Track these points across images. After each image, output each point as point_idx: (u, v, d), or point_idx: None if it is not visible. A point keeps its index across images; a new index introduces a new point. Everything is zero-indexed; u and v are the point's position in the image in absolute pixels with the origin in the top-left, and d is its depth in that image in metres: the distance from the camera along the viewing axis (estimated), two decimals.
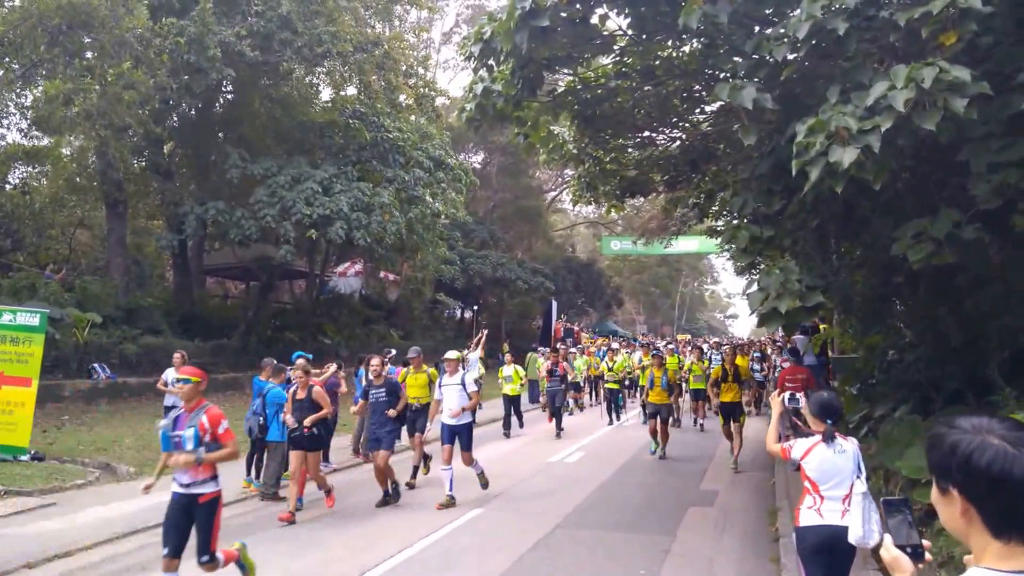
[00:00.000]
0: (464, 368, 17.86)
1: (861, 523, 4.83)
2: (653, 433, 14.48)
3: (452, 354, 11.57)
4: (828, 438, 5.21)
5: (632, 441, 16.76)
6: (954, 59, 5.48)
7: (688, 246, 37.16)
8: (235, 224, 21.24)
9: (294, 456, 10.21)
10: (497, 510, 10.65)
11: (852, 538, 4.86)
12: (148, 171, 24.24)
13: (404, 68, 26.71)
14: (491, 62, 8.46)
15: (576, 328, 41.71)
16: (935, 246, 6.18)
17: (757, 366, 22.17)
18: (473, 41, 8.34)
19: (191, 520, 6.50)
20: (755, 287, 7.41)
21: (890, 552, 1.99)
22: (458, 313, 43.66)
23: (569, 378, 19.55)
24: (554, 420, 18.19)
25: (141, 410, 17.80)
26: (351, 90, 26.00)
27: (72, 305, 18.80)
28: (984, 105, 5.47)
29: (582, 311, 50.94)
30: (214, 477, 6.62)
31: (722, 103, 7.85)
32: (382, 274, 36.80)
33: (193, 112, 23.97)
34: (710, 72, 8.97)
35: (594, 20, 8.00)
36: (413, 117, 27.67)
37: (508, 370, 18.66)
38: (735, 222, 10.10)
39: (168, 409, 12.68)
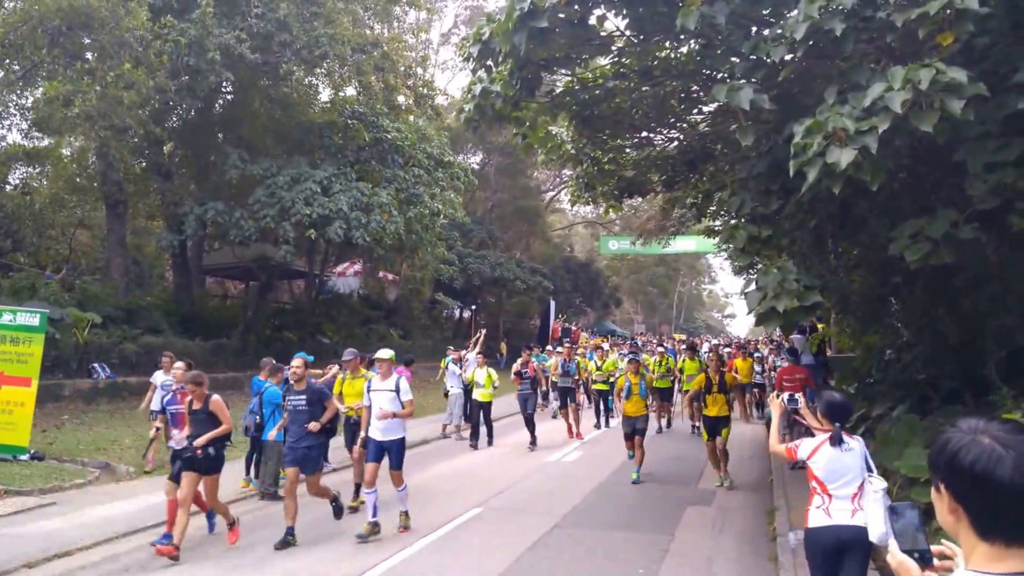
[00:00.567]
0: (464, 368, 17.83)
1: (883, 521, 4.79)
2: (632, 449, 12.69)
3: (384, 353, 9.74)
4: (836, 440, 5.16)
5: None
6: (951, 60, 5.50)
7: (686, 246, 37.17)
8: (234, 224, 21.26)
9: (186, 479, 8.39)
10: (496, 510, 10.68)
11: (874, 536, 4.82)
12: (148, 171, 24.24)
13: (403, 69, 26.73)
14: (489, 63, 8.48)
15: (574, 328, 41.72)
16: (932, 246, 6.20)
17: (759, 367, 20.97)
18: (472, 42, 8.36)
19: None
20: (753, 287, 7.44)
21: (896, 557, 1.99)
22: (457, 313, 43.68)
23: (545, 387, 18.08)
24: (528, 432, 16.31)
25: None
26: (350, 91, 26.02)
27: (72, 305, 18.81)
28: (981, 105, 5.49)
29: (580, 311, 50.95)
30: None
31: (720, 104, 7.85)
32: (381, 274, 36.82)
33: (193, 113, 23.98)
34: (708, 73, 9.00)
35: (592, 21, 8.01)
36: (412, 118, 27.67)
37: (480, 374, 16.40)
38: (733, 222, 10.12)
39: (156, 413, 12.69)
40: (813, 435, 5.74)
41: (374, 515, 9.05)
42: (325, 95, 27.65)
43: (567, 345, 19.85)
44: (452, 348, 19.76)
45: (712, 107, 10.13)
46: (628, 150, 12.33)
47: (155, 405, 12.63)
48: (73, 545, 8.64)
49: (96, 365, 18.63)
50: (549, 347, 24.71)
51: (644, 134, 11.60)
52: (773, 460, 13.15)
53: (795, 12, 6.21)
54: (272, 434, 10.77)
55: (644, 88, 9.51)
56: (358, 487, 10.60)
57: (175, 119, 24.15)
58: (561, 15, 7.38)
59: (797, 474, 11.78)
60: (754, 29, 7.43)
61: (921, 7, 5.38)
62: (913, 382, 11.27)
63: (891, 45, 6.21)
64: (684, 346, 24.55)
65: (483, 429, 16.41)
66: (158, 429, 11.72)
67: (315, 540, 9.07)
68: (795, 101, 7.23)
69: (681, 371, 18.99)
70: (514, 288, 37.97)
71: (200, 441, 8.33)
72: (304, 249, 26.40)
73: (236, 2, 21.12)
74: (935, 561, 1.98)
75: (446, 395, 18.26)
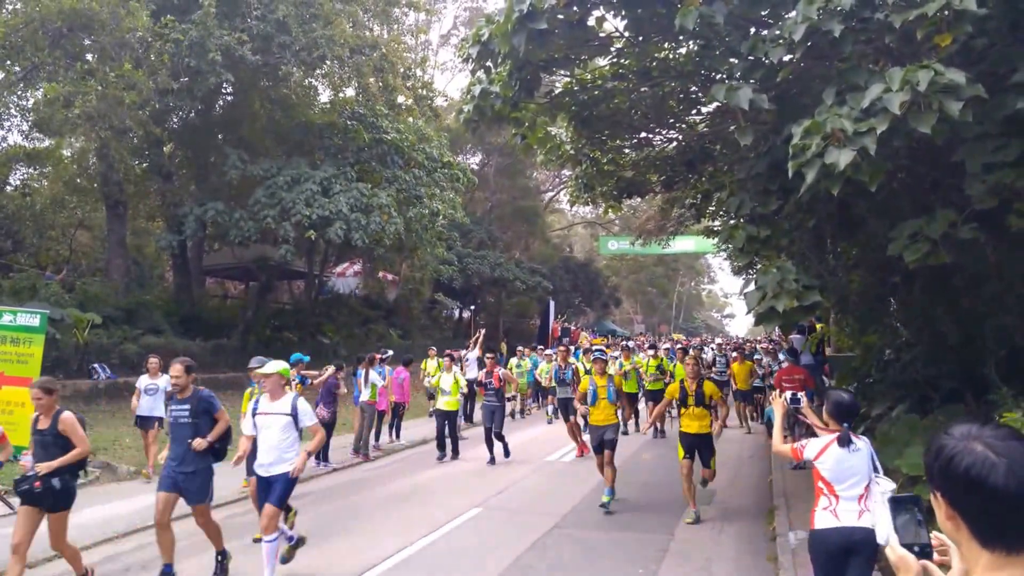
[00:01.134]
0: (462, 368, 17.72)
1: (890, 522, 4.73)
2: (602, 469, 10.71)
3: (271, 366, 7.68)
4: (845, 441, 5.10)
5: (629, 441, 16.80)
6: (949, 60, 5.52)
7: (685, 246, 37.17)
8: (234, 225, 21.29)
9: (22, 515, 6.76)
10: (495, 510, 10.69)
11: (882, 539, 4.64)
12: (148, 172, 24.26)
13: (402, 70, 26.75)
14: (489, 64, 8.49)
15: (574, 328, 41.73)
16: (931, 246, 6.21)
17: (759, 369, 18.95)
18: (471, 43, 8.37)
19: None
20: (752, 287, 7.46)
21: (896, 551, 1.99)
22: (456, 313, 43.68)
23: (512, 394, 15.99)
24: (500, 444, 14.57)
25: None
26: (350, 92, 26.05)
27: (72, 306, 18.82)
28: (979, 106, 5.51)
29: (580, 311, 50.97)
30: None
31: (718, 104, 7.88)
32: (381, 274, 36.83)
33: (193, 114, 24.00)
34: (706, 73, 9.01)
35: (591, 22, 8.02)
36: (412, 119, 27.70)
37: (446, 380, 14.71)
38: (732, 222, 10.13)
39: (143, 419, 12.47)
40: (815, 435, 5.74)
41: (270, 569, 7.31)
42: (325, 96, 27.71)
43: (563, 348, 18.15)
44: (433, 349, 19.32)
45: (711, 107, 10.14)
46: (627, 150, 12.34)
47: (142, 410, 12.51)
48: (73, 545, 8.64)
49: (96, 365, 18.64)
50: (550, 350, 23.57)
51: (643, 134, 11.61)
52: (773, 460, 13.16)
53: (794, 13, 6.23)
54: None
55: (643, 89, 9.52)
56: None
57: (175, 120, 24.17)
58: (560, 16, 7.39)
59: (797, 474, 11.80)
60: (753, 30, 7.44)
61: (919, 8, 5.39)
62: (912, 382, 11.27)
63: (889, 46, 6.22)
64: (678, 346, 23.20)
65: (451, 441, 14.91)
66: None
67: (314, 540, 9.08)
68: (794, 102, 7.25)
69: (673, 375, 17.47)
70: (513, 288, 37.97)
71: (44, 468, 6.69)
72: (304, 249, 26.42)
73: (236, 4, 21.13)
74: (935, 555, 1.98)
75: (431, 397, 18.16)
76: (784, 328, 12.14)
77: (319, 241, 24.48)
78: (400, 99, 27.43)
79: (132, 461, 13.30)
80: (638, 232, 30.13)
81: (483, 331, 22.54)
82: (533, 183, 46.81)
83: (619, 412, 10.93)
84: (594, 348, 13.96)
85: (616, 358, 19.35)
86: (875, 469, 5.13)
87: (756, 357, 20.00)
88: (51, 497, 6.82)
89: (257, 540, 8.19)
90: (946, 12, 5.30)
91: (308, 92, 26.40)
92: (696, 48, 8.50)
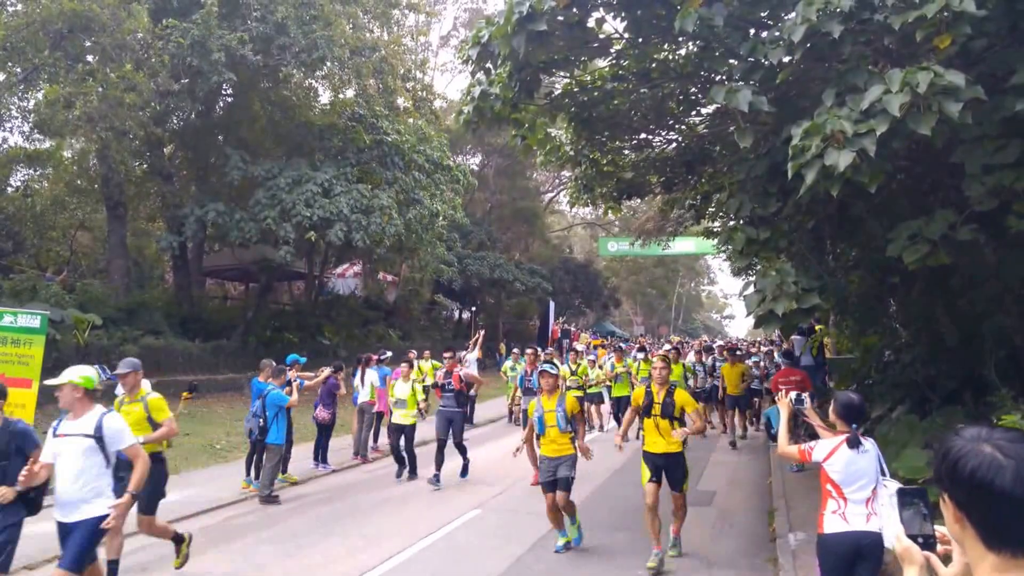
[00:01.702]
0: (462, 370, 17.57)
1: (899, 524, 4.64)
2: (552, 512, 8.54)
3: (64, 374, 5.95)
4: (854, 443, 5.02)
5: (629, 442, 16.79)
6: (948, 62, 5.54)
7: (685, 247, 37.17)
8: (235, 226, 21.29)
9: None
10: (495, 511, 10.70)
11: (889, 542, 4.61)
12: (149, 173, 24.27)
13: (402, 72, 26.76)
14: (488, 65, 8.50)
15: (574, 329, 41.75)
16: (930, 247, 6.23)
17: (757, 372, 17.92)
18: (471, 45, 8.38)
19: None
20: (751, 289, 7.47)
21: (901, 542, 1.99)
22: (456, 314, 43.71)
23: (473, 392, 13.84)
24: (461, 460, 12.79)
25: None
26: (350, 93, 26.06)
27: (73, 307, 18.82)
28: (978, 108, 5.52)
29: (579, 312, 51.00)
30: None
31: (718, 105, 7.91)
32: (380, 275, 36.85)
33: (193, 115, 24.00)
34: (706, 75, 9.03)
35: (590, 24, 8.05)
36: (412, 120, 27.72)
37: (402, 389, 12.91)
38: (731, 224, 10.15)
39: None
40: (816, 436, 5.72)
41: None
42: (325, 97, 27.73)
43: (531, 352, 15.58)
44: (413, 351, 18.60)
45: (710, 109, 10.17)
46: (627, 152, 12.36)
47: None
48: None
49: (96, 367, 18.62)
50: (550, 349, 22.61)
51: (643, 136, 11.63)
52: (773, 462, 13.17)
53: (793, 14, 6.25)
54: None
55: (642, 90, 9.53)
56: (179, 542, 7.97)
57: (176, 121, 24.17)
58: (560, 18, 7.40)
59: (796, 476, 11.81)
60: (752, 31, 7.45)
61: (918, 10, 5.41)
62: (912, 383, 11.29)
63: (889, 48, 6.25)
64: (671, 348, 20.72)
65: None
66: None
67: (314, 541, 9.09)
68: (793, 103, 7.27)
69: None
70: (513, 289, 37.99)
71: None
72: (304, 251, 26.44)
73: (236, 5, 21.15)
74: (939, 547, 1.98)
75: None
76: (784, 331, 11.89)
77: (319, 242, 24.49)
78: (400, 101, 27.45)
79: None
80: (638, 233, 30.14)
81: (483, 332, 22.54)
82: (533, 184, 46.84)
83: (574, 441, 8.60)
84: (549, 361, 11.35)
85: (608, 360, 18.94)
86: (882, 472, 5.07)
87: (754, 360, 18.95)
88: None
89: None
90: (945, 14, 5.32)
91: (308, 93, 26.42)
92: (695, 50, 8.52)
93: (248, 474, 11.93)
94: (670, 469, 8.19)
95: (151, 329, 21.17)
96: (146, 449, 6.51)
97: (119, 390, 8.13)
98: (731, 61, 7.70)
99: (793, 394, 5.86)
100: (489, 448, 16.07)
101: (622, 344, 25.57)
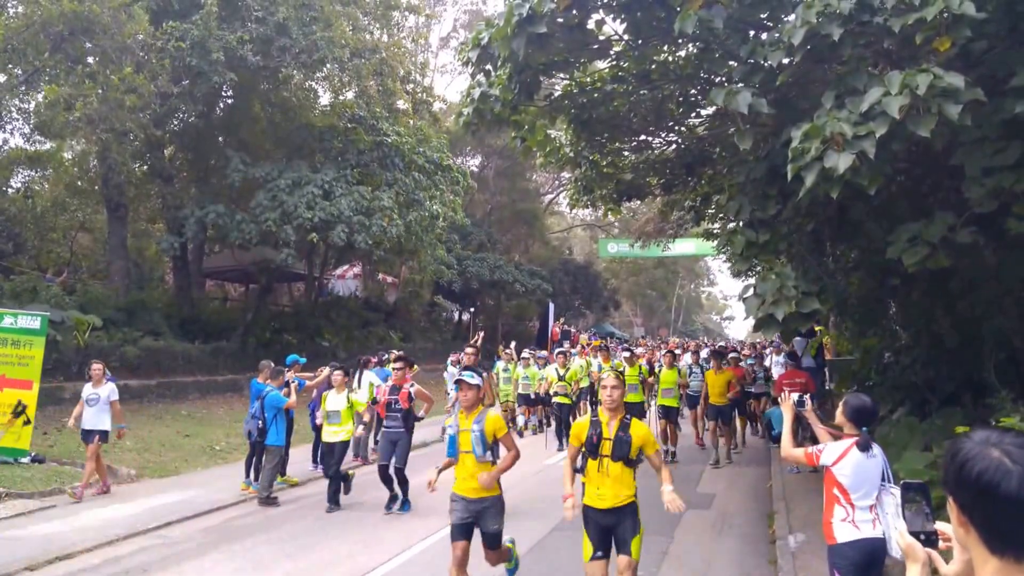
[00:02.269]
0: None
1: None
2: (459, 570, 6.36)
3: None
4: (865, 446, 4.87)
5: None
6: (948, 64, 5.54)
7: (685, 248, 37.17)
8: (236, 227, 21.30)
9: None
10: None
11: (894, 550, 4.43)
12: (149, 175, 24.29)
13: (401, 74, 26.77)
14: (488, 67, 8.52)
15: (574, 331, 41.72)
16: (930, 249, 6.23)
17: (761, 373, 17.26)
18: (471, 47, 8.40)
19: None
20: (751, 292, 7.47)
21: (904, 539, 1.99)
22: (456, 315, 43.71)
23: (422, 412, 10.90)
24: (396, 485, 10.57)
25: (141, 412, 17.83)
26: (350, 95, 26.09)
27: (73, 308, 18.82)
28: (978, 110, 5.53)
29: (579, 313, 50.98)
30: None
31: (717, 107, 7.92)
32: (380, 276, 36.86)
33: (194, 117, 24.02)
34: (706, 76, 9.05)
35: (590, 25, 8.06)
36: (412, 122, 27.74)
37: (336, 401, 11.20)
38: (731, 226, 10.16)
39: (88, 433, 11.27)
40: (816, 439, 5.70)
41: None
42: (325, 99, 27.75)
43: (470, 352, 12.64)
44: (395, 352, 17.81)
45: (710, 111, 10.19)
46: (626, 153, 12.37)
47: (84, 423, 11.38)
48: (74, 547, 8.66)
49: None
50: (507, 349, 20.38)
51: (642, 137, 11.65)
52: (772, 463, 13.17)
53: (793, 17, 6.26)
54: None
55: (642, 92, 9.55)
56: None
57: (176, 123, 24.19)
58: (560, 20, 7.42)
59: (796, 478, 11.81)
60: (752, 33, 7.47)
61: (918, 12, 5.42)
62: (912, 385, 11.29)
63: (889, 50, 6.25)
64: (664, 350, 19.14)
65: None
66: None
67: (313, 543, 9.09)
68: (793, 105, 7.27)
69: (655, 384, 15.19)
70: (513, 291, 37.98)
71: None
72: (304, 252, 26.46)
73: (236, 6, 21.17)
74: (940, 543, 1.99)
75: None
76: (784, 334, 11.51)
77: (319, 243, 24.50)
78: (399, 102, 27.47)
79: (133, 464, 13.32)
80: (637, 235, 30.18)
81: (482, 333, 22.49)
82: (532, 186, 46.85)
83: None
84: (462, 370, 8.44)
85: (567, 356, 17.74)
86: (887, 478, 4.90)
87: (750, 363, 17.67)
88: None
89: None
90: (945, 16, 5.33)
91: (308, 95, 26.44)
92: (695, 52, 8.54)
93: (248, 476, 11.94)
94: (618, 528, 5.87)
95: (151, 330, 21.19)
96: None
97: None
98: (731, 63, 7.72)
99: (794, 396, 5.75)
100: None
101: (607, 344, 24.09)
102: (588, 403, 17.02)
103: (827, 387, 18.08)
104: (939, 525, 2.00)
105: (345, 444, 11.22)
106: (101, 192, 23.30)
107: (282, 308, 32.23)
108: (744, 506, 11.06)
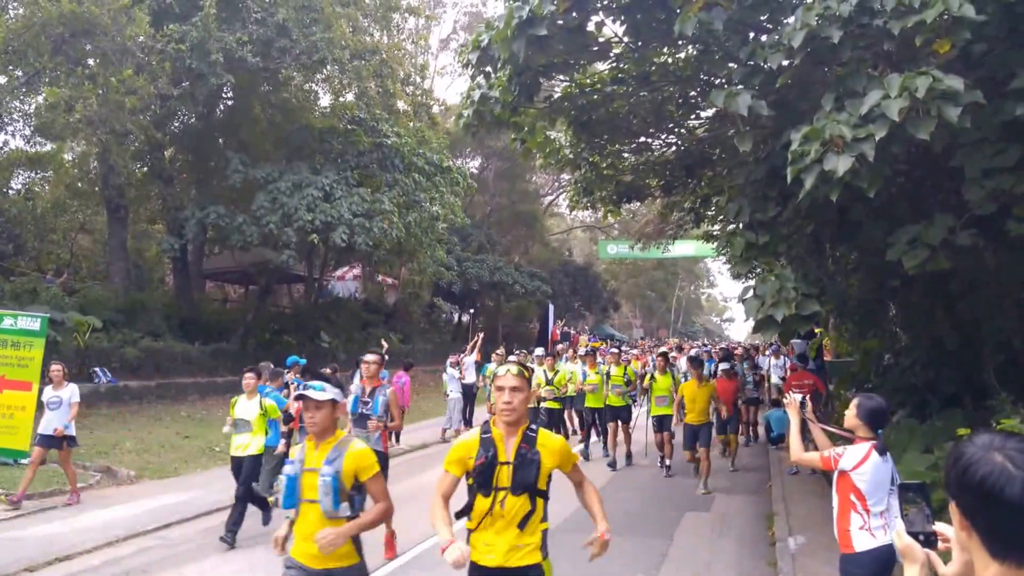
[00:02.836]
0: (463, 371, 17.39)
1: None
2: None
3: None
4: (882, 450, 4.73)
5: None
6: (948, 66, 5.55)
7: (685, 250, 37.18)
8: (236, 229, 21.30)
9: None
10: None
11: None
12: (149, 176, 24.30)
13: (402, 76, 26.79)
14: (488, 69, 8.53)
15: (574, 332, 41.71)
16: (930, 252, 6.22)
17: (751, 377, 16.29)
18: (471, 49, 8.41)
19: None
20: (751, 294, 7.47)
21: (902, 539, 1.99)
22: (455, 317, 43.71)
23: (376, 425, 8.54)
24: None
25: (142, 413, 17.85)
26: (350, 96, 26.10)
27: (73, 309, 18.83)
28: (977, 112, 5.54)
29: (579, 315, 50.98)
30: None
31: (717, 109, 7.92)
32: (380, 278, 36.85)
33: (194, 118, 24.05)
34: (705, 78, 9.05)
35: (590, 27, 8.06)
36: (412, 123, 27.76)
37: (247, 408, 9.53)
38: (731, 228, 10.16)
39: (46, 438, 10.96)
40: (814, 442, 5.69)
41: None
42: (325, 100, 27.77)
43: (373, 360, 8.92)
44: (378, 349, 17.17)
45: (710, 113, 10.19)
46: (626, 155, 12.37)
47: (45, 427, 11.02)
48: (74, 549, 8.66)
49: (97, 369, 18.64)
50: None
51: (642, 139, 11.64)
52: (772, 465, 13.17)
53: (793, 19, 6.26)
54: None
55: (642, 93, 9.55)
56: None
57: (176, 124, 24.22)
58: (560, 22, 7.42)
59: (796, 479, 11.81)
60: (752, 35, 7.47)
61: (918, 14, 5.42)
62: (912, 386, 11.29)
63: (888, 52, 6.25)
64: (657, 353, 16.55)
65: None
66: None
67: None
68: (793, 107, 7.27)
69: (648, 389, 13.71)
70: (512, 292, 37.97)
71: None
72: (304, 253, 26.47)
73: (236, 7, 21.18)
74: (939, 544, 1.98)
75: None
76: (783, 336, 11.13)
77: (319, 245, 24.51)
78: (399, 104, 27.48)
79: (133, 465, 13.31)
80: (637, 236, 30.12)
81: (482, 334, 22.49)
82: (532, 187, 46.86)
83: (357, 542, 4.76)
84: (319, 375, 5.40)
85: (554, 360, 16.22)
86: (895, 481, 4.75)
87: (724, 367, 14.77)
88: None
89: None
90: (945, 18, 5.34)
91: (308, 96, 26.46)
92: (695, 53, 8.54)
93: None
94: None
95: (151, 331, 21.20)
96: None
97: None
98: (731, 65, 7.72)
99: (797, 397, 5.66)
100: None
101: (618, 345, 23.64)
102: (574, 411, 16.56)
103: (828, 388, 18.05)
104: (938, 526, 2.00)
105: (257, 459, 9.42)
106: (101, 193, 23.30)
107: (282, 309, 32.23)
108: (744, 508, 11.05)
